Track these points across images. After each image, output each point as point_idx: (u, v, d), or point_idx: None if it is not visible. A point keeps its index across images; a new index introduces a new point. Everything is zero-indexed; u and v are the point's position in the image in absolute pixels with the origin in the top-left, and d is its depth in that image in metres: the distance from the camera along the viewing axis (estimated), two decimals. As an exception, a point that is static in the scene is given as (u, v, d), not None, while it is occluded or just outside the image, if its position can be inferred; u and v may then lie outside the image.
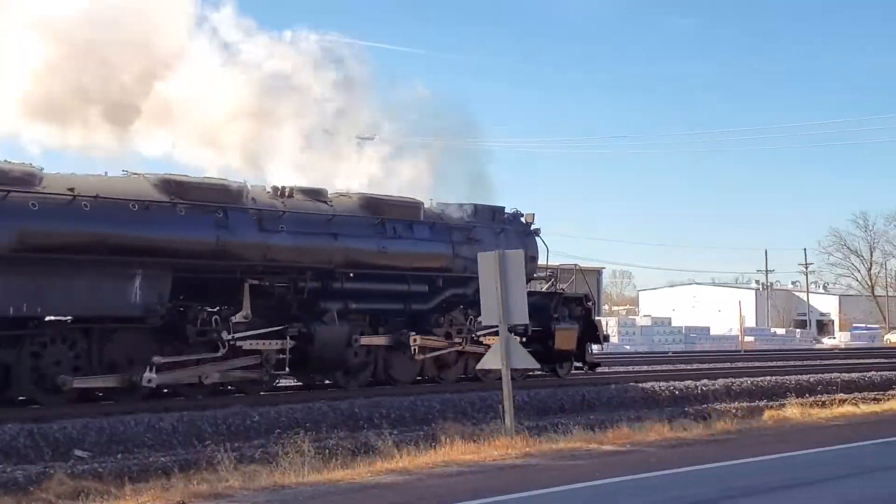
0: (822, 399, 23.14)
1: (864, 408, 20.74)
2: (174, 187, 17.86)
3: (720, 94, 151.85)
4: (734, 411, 19.29)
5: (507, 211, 23.71)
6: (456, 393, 19.80)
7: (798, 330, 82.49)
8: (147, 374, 16.60)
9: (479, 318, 18.72)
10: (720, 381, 24.29)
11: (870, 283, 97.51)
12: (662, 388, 22.78)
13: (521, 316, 15.39)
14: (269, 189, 19.84)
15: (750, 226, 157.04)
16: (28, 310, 15.62)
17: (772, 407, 20.82)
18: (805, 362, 36.47)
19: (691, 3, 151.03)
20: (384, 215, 20.79)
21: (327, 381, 20.65)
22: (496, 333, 17.12)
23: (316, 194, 20.28)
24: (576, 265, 30.64)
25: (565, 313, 23.60)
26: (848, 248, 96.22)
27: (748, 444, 15.17)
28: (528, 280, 22.11)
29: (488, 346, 18.75)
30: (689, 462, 13.28)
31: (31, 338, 15.92)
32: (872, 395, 25.25)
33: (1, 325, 15.15)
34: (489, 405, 18.28)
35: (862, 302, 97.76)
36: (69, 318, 16.51)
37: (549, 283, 25.27)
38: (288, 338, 18.79)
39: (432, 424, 16.88)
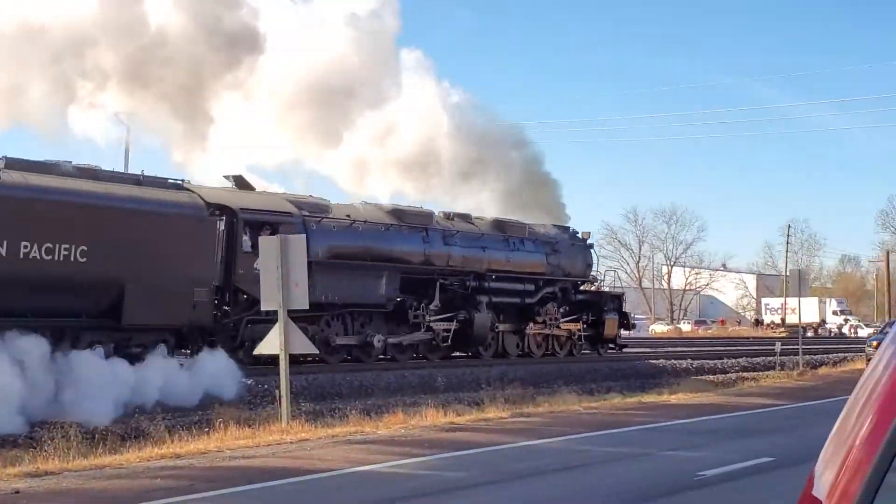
0: (591, 388, 24.23)
1: (629, 399, 21.80)
2: (398, 213, 26.32)
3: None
4: (506, 398, 19.84)
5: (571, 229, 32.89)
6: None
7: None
8: (378, 337, 24.75)
9: (561, 309, 30.35)
10: (495, 370, 25.00)
11: (638, 276, 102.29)
12: (437, 374, 23.28)
13: (302, 301, 15.38)
14: (439, 213, 28.47)
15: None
16: (327, 298, 22.99)
17: (545, 394, 21.61)
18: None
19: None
20: (506, 233, 29.51)
21: (468, 353, 28.44)
22: (575, 321, 30.64)
23: (466, 218, 29.16)
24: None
25: (611, 307, 32.20)
26: (619, 241, 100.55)
27: (518, 430, 15.69)
28: (584, 282, 32.37)
29: (567, 330, 30.47)
30: (462, 447, 13.65)
31: (324, 316, 23.53)
32: (638, 383, 26.62)
33: (312, 307, 18.48)
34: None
35: (630, 294, 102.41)
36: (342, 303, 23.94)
37: (597, 284, 33.42)
38: (455, 321, 26.89)
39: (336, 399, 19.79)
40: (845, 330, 78.22)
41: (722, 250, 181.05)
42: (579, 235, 32.86)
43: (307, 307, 15.93)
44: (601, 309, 31.92)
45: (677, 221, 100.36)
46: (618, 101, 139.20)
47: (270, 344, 15.41)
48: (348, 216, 24.45)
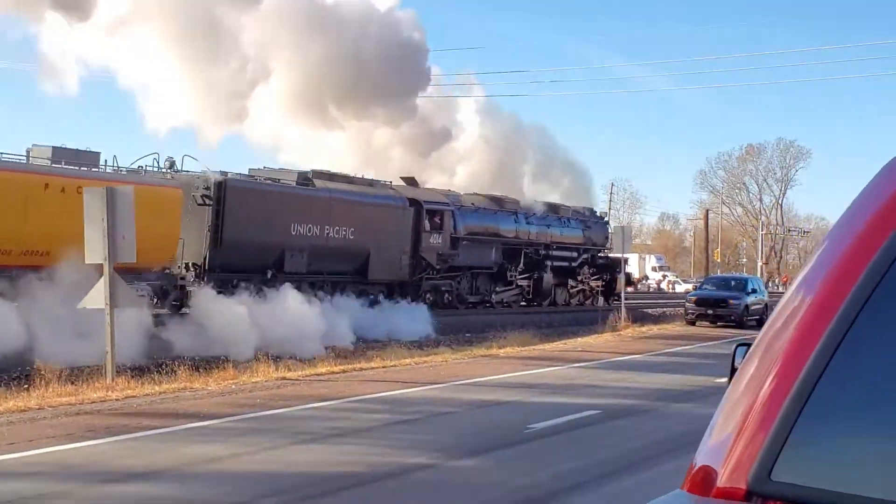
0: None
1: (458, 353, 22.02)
2: (497, 200, 36.82)
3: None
4: (336, 354, 19.81)
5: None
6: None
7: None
8: (493, 295, 35.90)
9: (590, 270, 42.11)
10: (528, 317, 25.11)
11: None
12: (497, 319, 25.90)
13: (129, 254, 14.84)
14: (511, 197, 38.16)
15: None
16: (466, 263, 34.04)
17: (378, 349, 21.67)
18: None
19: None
20: (558, 213, 40.22)
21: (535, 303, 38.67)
22: (598, 280, 42.53)
23: (535, 203, 39.55)
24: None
25: (618, 269, 38.74)
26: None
27: (346, 385, 15.67)
28: (602, 250, 42.73)
29: (593, 287, 42.01)
30: (298, 402, 13.55)
31: (458, 276, 33.93)
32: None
33: (453, 270, 32.22)
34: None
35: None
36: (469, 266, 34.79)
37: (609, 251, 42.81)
38: (531, 280, 37.49)
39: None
40: (664, 286, 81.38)
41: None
42: (598, 214, 44.93)
43: (133, 260, 15.40)
44: (615, 270, 40.86)
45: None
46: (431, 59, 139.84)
47: (95, 298, 14.83)
48: (472, 204, 35.24)
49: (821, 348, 1.70)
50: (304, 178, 27.99)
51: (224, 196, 24.62)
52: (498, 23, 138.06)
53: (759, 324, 34.40)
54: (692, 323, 33.53)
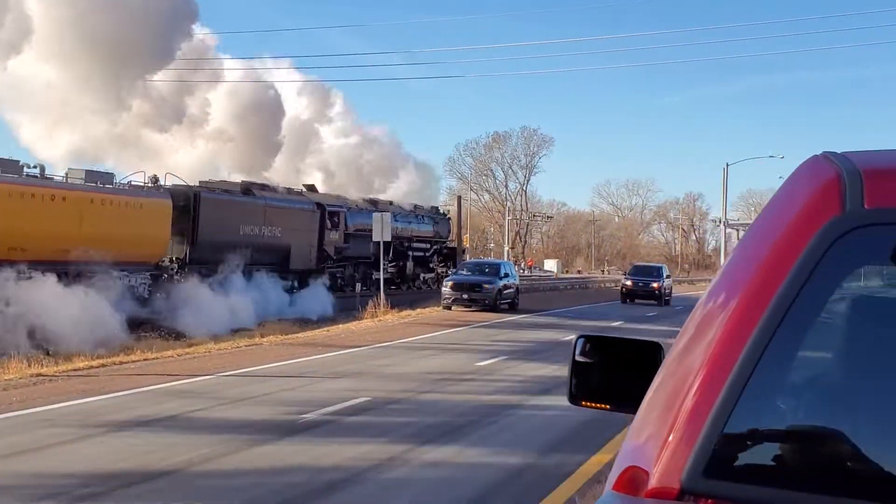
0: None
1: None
2: (373, 200, 45.03)
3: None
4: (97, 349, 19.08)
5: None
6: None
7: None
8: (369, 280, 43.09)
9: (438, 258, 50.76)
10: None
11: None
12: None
13: None
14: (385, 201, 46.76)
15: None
16: (356, 254, 42.06)
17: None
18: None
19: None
20: (416, 212, 49.02)
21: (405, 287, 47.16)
22: (445, 265, 50.29)
23: (399, 205, 48.07)
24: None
25: (458, 258, 50.14)
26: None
27: (108, 381, 15.16)
28: (446, 242, 51.74)
29: (440, 272, 48.80)
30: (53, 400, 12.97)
31: (346, 265, 42.28)
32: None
33: (347, 260, 41.81)
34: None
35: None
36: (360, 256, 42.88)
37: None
38: (397, 267, 46.05)
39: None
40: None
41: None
42: (441, 212, 53.79)
43: None
44: (455, 258, 50.17)
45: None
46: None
47: None
48: (356, 205, 42.84)
49: (750, 346, 1.70)
50: (246, 188, 35.76)
51: (198, 205, 31.97)
52: (239, 4, 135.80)
53: (512, 307, 35.83)
54: (448, 308, 34.24)
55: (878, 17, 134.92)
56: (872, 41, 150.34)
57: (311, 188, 42.73)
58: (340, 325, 28.09)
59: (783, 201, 1.93)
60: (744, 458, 1.69)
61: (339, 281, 40.97)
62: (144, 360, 17.86)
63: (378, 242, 35.47)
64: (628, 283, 46.55)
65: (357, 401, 13.59)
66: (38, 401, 12.86)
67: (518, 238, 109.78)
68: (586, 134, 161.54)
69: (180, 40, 37.60)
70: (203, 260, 31.83)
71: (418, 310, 34.06)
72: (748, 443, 1.69)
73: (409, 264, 47.32)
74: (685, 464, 1.68)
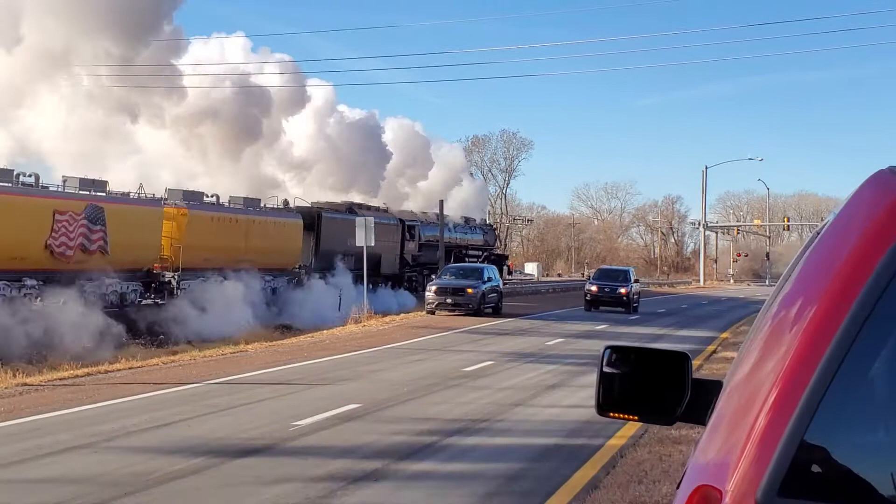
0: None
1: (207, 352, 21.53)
2: (437, 215, 52.84)
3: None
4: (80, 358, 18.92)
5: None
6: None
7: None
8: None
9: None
10: None
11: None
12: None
13: None
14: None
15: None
16: (424, 261, 52.35)
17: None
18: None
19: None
20: (469, 225, 60.51)
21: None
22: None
23: (455, 219, 59.03)
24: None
25: (504, 262, 62.87)
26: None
27: (94, 390, 15.01)
28: (494, 249, 64.07)
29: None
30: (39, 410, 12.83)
31: (419, 270, 51.87)
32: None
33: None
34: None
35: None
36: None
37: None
38: None
39: None
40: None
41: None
42: (489, 223, 68.24)
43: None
44: (501, 263, 60.19)
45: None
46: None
47: None
48: (427, 219, 53.53)
49: (826, 361, 1.70)
50: (349, 208, 44.78)
51: (320, 223, 41.57)
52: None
53: (495, 311, 35.73)
54: (432, 312, 34.10)
55: (855, 19, 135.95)
56: (849, 44, 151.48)
57: (286, 203, 46.67)
58: (325, 332, 27.97)
59: (853, 217, 1.93)
60: (820, 476, 1.68)
61: (413, 283, 49.43)
62: (129, 368, 17.71)
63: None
64: (592, 288, 41.26)
65: (347, 408, 13.51)
66: (25, 411, 12.72)
67: (498, 241, 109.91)
68: (565, 137, 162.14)
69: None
70: (323, 266, 40.89)
71: (402, 315, 33.96)
72: (824, 460, 1.68)
73: None
74: (760, 482, 1.67)
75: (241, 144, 42.57)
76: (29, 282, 25.98)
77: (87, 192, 28.84)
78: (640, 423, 9.25)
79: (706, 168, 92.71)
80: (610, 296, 40.52)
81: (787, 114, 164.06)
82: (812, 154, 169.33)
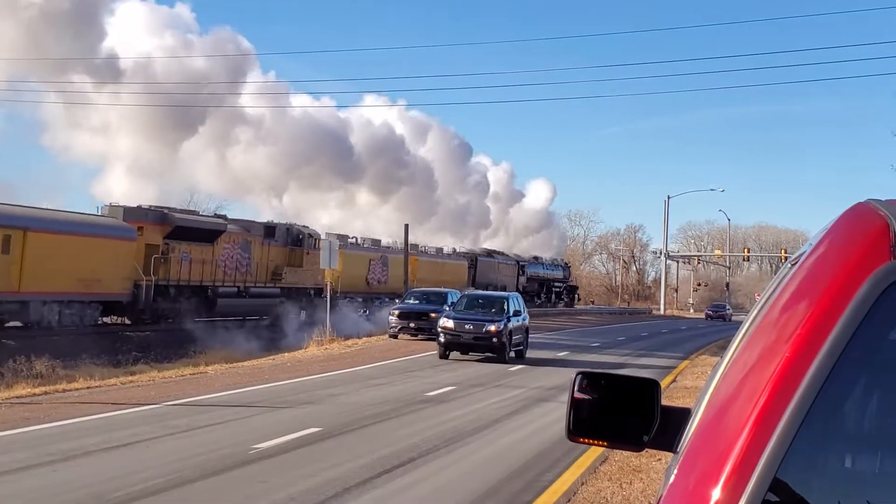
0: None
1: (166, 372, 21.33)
2: (491, 252, 72.78)
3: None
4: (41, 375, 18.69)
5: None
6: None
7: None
8: None
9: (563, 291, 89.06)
10: None
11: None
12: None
13: None
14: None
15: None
16: (528, 291, 74.66)
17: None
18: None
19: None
20: (554, 263, 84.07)
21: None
22: (570, 297, 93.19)
23: (538, 258, 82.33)
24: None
25: (576, 291, 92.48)
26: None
27: (47, 409, 14.82)
28: (569, 280, 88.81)
29: (566, 300, 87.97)
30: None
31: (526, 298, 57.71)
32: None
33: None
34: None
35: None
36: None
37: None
38: (547, 298, 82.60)
39: None
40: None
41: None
42: (564, 261, 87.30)
43: None
44: (573, 291, 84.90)
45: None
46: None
47: None
48: (531, 259, 79.30)
49: (801, 394, 1.70)
50: (489, 253, 68.61)
51: (476, 264, 64.36)
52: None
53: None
54: (394, 336, 33.91)
55: (814, 54, 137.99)
56: (809, 78, 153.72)
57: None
58: (286, 354, 27.82)
59: (830, 249, 1.94)
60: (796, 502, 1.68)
61: None
62: (87, 388, 17.51)
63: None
64: (449, 324, 27.38)
65: (308, 431, 13.43)
66: None
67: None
68: (529, 164, 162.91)
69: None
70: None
71: (364, 339, 33.86)
72: (800, 491, 1.68)
73: (553, 296, 79.69)
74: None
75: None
76: None
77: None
78: (603, 450, 9.27)
79: (668, 198, 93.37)
80: (475, 337, 27.18)
81: (748, 146, 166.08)
82: (772, 186, 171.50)
